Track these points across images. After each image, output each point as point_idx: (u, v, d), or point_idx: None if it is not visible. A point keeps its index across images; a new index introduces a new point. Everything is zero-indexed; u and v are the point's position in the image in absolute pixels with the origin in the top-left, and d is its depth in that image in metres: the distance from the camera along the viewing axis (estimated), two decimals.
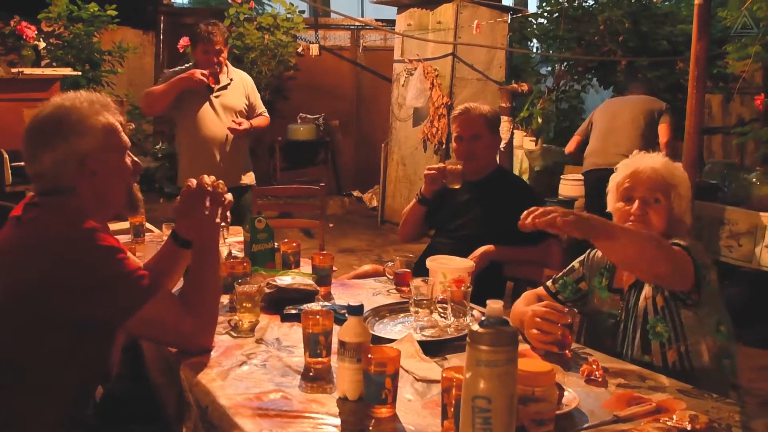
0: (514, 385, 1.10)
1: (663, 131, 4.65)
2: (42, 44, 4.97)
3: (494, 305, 1.09)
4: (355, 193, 8.35)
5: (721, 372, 1.73)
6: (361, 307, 1.45)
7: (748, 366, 3.67)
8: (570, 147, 5.05)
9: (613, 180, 1.93)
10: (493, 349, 1.06)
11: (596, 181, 4.31)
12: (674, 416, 1.34)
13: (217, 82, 3.62)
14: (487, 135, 2.78)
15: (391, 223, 6.91)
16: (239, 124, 3.68)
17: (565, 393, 1.38)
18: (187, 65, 3.74)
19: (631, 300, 1.83)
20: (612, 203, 1.92)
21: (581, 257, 2.02)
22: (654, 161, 1.86)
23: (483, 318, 1.10)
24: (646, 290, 1.78)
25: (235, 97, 3.74)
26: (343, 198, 8.17)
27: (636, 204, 1.83)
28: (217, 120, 3.67)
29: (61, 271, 1.44)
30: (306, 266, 2.34)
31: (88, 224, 1.49)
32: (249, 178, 3.85)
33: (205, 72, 3.53)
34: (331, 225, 6.64)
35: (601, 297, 1.92)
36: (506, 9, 7.10)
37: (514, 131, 6.31)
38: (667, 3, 6.96)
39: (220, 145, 3.68)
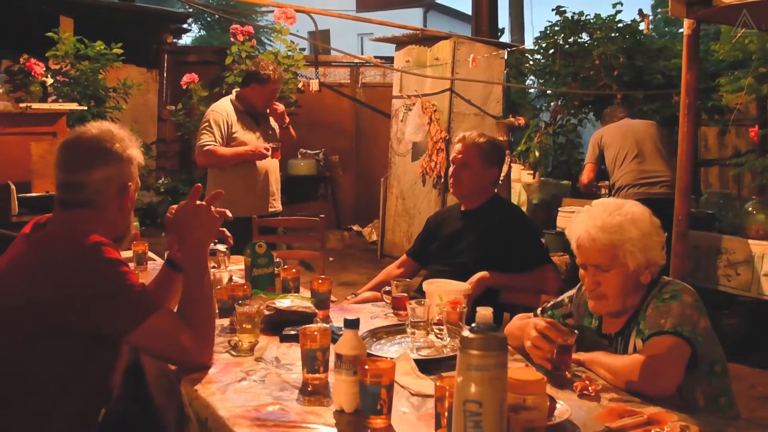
0: (504, 389, 1.13)
1: None
2: (49, 80, 5.08)
3: (484, 311, 1.13)
4: (355, 228, 8.38)
5: (720, 410, 1.70)
6: (357, 320, 1.48)
7: (750, 395, 3.65)
8: (590, 175, 4.73)
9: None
10: (484, 354, 1.09)
11: None
12: (665, 427, 1.36)
13: (275, 153, 3.90)
14: (476, 165, 2.77)
15: (390, 257, 6.92)
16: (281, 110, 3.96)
17: (558, 405, 1.40)
18: (231, 97, 3.93)
19: (618, 348, 1.81)
20: None
21: (571, 292, 1.99)
22: (593, 224, 1.75)
23: (474, 324, 1.14)
24: (633, 340, 1.76)
25: (274, 127, 4.07)
26: (343, 232, 8.20)
27: (587, 279, 1.80)
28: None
29: (70, 281, 1.49)
30: (305, 293, 2.36)
31: (95, 238, 1.55)
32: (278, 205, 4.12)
33: (268, 146, 3.82)
34: (331, 259, 6.67)
35: (591, 338, 1.91)
36: (503, 45, 7.25)
37: (512, 165, 6.39)
38: (660, 39, 7.09)
39: (263, 173, 3.94)
